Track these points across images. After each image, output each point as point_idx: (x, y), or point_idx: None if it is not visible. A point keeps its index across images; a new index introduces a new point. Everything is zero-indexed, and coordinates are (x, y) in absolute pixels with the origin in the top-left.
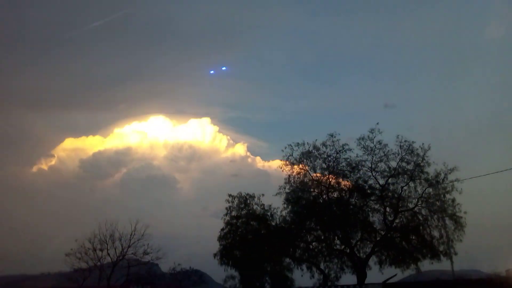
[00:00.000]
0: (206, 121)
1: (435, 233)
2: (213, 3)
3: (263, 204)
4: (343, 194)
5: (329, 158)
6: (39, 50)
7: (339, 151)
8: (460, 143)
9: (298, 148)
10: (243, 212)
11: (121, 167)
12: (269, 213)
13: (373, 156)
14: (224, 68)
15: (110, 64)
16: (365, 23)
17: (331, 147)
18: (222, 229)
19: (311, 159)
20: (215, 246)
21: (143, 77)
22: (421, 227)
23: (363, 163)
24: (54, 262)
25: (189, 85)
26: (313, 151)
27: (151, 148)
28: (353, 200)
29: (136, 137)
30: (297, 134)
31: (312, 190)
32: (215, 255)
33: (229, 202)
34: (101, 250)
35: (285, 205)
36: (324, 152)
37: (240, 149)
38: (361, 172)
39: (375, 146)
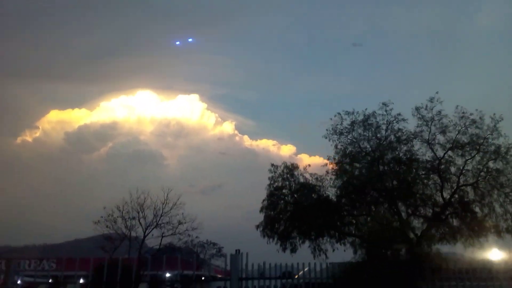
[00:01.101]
0: (194, 97)
1: (498, 209)
2: None
3: (309, 174)
4: (396, 167)
5: (381, 128)
6: (22, 19)
7: (391, 121)
8: None
9: (348, 116)
10: (287, 183)
11: (107, 141)
12: (317, 184)
13: (430, 128)
14: (190, 40)
15: (98, 36)
16: (359, 8)
17: (383, 117)
18: (264, 200)
19: (362, 128)
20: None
21: (131, 50)
22: (481, 202)
23: (420, 133)
24: (39, 234)
25: (179, 60)
26: (364, 120)
27: (138, 123)
28: (407, 173)
29: (123, 111)
30: (285, 115)
31: (362, 161)
32: (257, 226)
33: (271, 172)
34: (132, 218)
35: (335, 175)
36: (376, 121)
37: (228, 127)
38: (417, 143)
39: (433, 116)
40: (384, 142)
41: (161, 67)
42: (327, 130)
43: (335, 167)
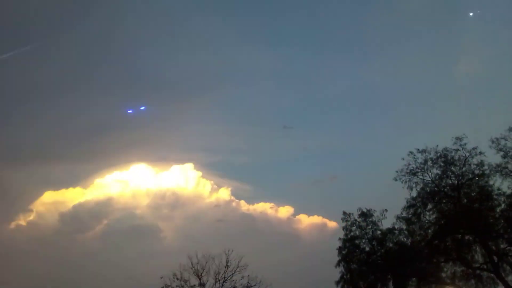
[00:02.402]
0: (189, 166)
1: None
2: (195, 51)
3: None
4: (481, 204)
5: (456, 164)
6: (13, 104)
7: (466, 156)
8: None
9: (421, 155)
10: (364, 231)
11: (102, 218)
12: (394, 232)
13: None
14: (142, 108)
15: (89, 114)
16: (344, 64)
17: (456, 152)
18: (340, 252)
19: (437, 166)
20: None
21: (123, 126)
22: None
23: (503, 166)
24: None
25: (172, 132)
26: (438, 157)
27: (133, 197)
28: (492, 210)
29: (118, 186)
30: (279, 176)
31: (443, 200)
32: (337, 283)
33: (344, 221)
34: (192, 287)
35: (413, 219)
36: (451, 157)
37: (224, 194)
38: (498, 176)
39: None
40: (462, 179)
41: (154, 140)
42: (397, 171)
43: (409, 212)
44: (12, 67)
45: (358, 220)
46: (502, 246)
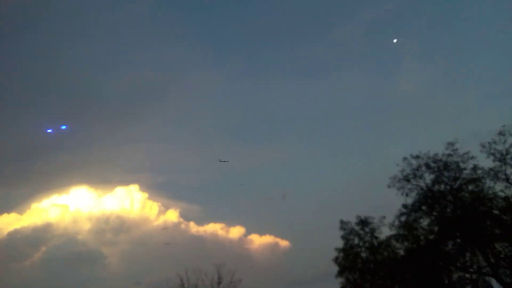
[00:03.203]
0: (134, 188)
1: None
2: (128, 68)
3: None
4: (476, 208)
5: (450, 169)
6: None
7: (458, 161)
8: None
9: (415, 160)
10: (363, 240)
11: (40, 245)
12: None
13: (505, 163)
14: (64, 127)
15: (24, 136)
16: (287, 85)
17: (448, 157)
18: (339, 261)
19: (429, 171)
20: None
21: (61, 148)
22: None
23: (497, 170)
24: None
25: (115, 153)
26: (431, 162)
27: (74, 222)
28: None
29: (57, 211)
30: (229, 196)
31: (438, 205)
32: None
33: (342, 230)
34: None
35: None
36: (444, 162)
37: (172, 215)
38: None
39: (507, 150)
40: (456, 184)
41: (95, 160)
42: (390, 178)
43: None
44: None
45: (356, 228)
46: (499, 249)
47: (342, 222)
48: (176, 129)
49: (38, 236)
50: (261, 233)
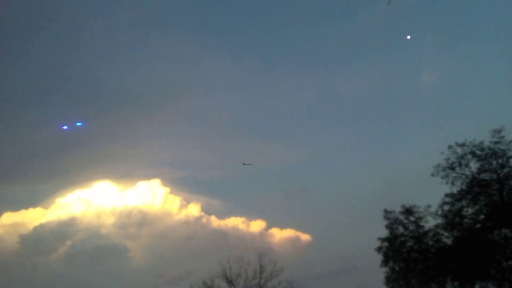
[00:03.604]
0: (156, 182)
1: None
2: (152, 64)
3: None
4: None
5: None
6: None
7: (507, 148)
8: None
9: (461, 149)
10: (408, 230)
11: (65, 239)
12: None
13: None
14: (79, 124)
15: (48, 133)
16: (305, 74)
17: (495, 145)
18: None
19: (476, 159)
20: None
21: (85, 144)
22: None
23: None
24: None
25: (137, 148)
26: (477, 150)
27: (97, 216)
28: None
29: (81, 205)
30: (250, 190)
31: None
32: (386, 280)
33: (386, 219)
34: None
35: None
36: (491, 150)
37: (193, 210)
38: None
39: None
40: (504, 172)
41: (118, 156)
42: (434, 166)
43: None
44: None
45: (401, 217)
46: None
47: (386, 211)
48: (196, 124)
49: (63, 230)
50: (282, 227)
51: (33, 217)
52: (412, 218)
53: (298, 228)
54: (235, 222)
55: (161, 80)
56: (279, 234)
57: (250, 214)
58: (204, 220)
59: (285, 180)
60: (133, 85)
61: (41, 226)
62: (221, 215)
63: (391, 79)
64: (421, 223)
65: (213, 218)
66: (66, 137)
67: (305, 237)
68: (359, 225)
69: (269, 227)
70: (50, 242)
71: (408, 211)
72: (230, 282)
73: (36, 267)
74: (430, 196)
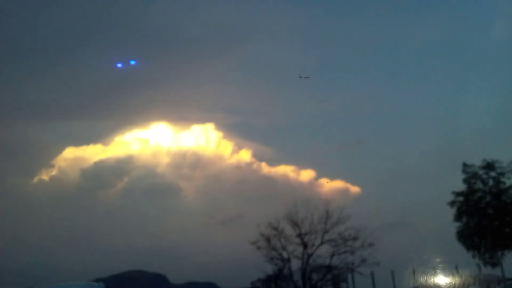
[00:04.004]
0: (209, 127)
1: None
2: (210, 8)
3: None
4: None
5: None
6: (36, 62)
7: None
8: None
9: None
10: (487, 185)
11: (123, 175)
12: None
13: None
14: (132, 63)
15: (109, 72)
16: (368, 23)
17: None
18: (459, 206)
19: None
20: (225, 255)
21: (143, 84)
22: None
23: None
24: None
25: (192, 91)
26: None
27: (153, 155)
28: None
29: (138, 144)
30: (302, 139)
31: None
32: (459, 234)
33: (465, 173)
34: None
35: None
36: None
37: (244, 155)
38: None
39: None
40: None
41: (175, 99)
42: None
43: None
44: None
45: (480, 172)
46: None
47: (465, 165)
48: (252, 70)
49: (121, 167)
50: (332, 177)
51: (93, 153)
52: (493, 174)
53: (348, 180)
54: (285, 170)
55: (220, 25)
56: (328, 185)
57: (301, 163)
58: (254, 166)
59: (339, 131)
60: (193, 28)
61: (101, 161)
62: (271, 163)
63: (460, 30)
64: (503, 179)
65: (263, 165)
66: (124, 77)
67: (354, 189)
68: (413, 180)
69: (318, 176)
70: (109, 177)
71: (489, 166)
72: (295, 224)
73: (95, 200)
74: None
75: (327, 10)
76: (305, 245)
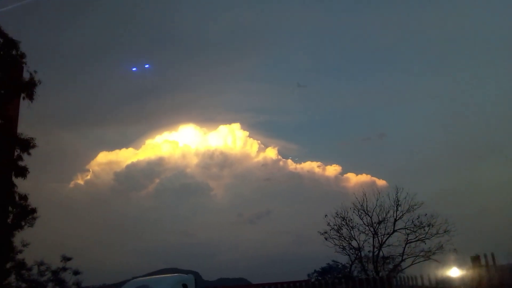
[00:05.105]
0: (236, 126)
1: None
2: (232, 9)
3: None
4: None
5: None
6: (71, 71)
7: None
8: None
9: None
10: None
11: (154, 177)
12: None
13: None
14: (147, 66)
15: (137, 79)
16: (388, 19)
17: None
18: None
19: None
20: (255, 252)
21: (171, 88)
22: None
23: None
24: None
25: (218, 93)
26: None
27: (183, 157)
28: None
29: (168, 147)
30: (326, 135)
31: None
32: None
33: None
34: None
35: None
36: None
37: (271, 153)
38: None
39: None
40: None
41: (201, 101)
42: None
43: None
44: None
45: None
46: None
47: None
48: (275, 69)
49: (152, 169)
50: (358, 172)
51: (126, 156)
52: None
53: (374, 173)
54: (311, 166)
55: (243, 28)
56: (355, 179)
57: (326, 158)
58: (281, 163)
59: (362, 125)
60: (217, 32)
61: (133, 164)
62: (297, 159)
63: (481, 23)
64: None
65: (289, 162)
66: (152, 82)
67: (381, 182)
68: (437, 172)
69: (344, 171)
70: (140, 179)
71: None
72: (364, 212)
73: (129, 201)
74: None
75: (345, 8)
76: (375, 234)
